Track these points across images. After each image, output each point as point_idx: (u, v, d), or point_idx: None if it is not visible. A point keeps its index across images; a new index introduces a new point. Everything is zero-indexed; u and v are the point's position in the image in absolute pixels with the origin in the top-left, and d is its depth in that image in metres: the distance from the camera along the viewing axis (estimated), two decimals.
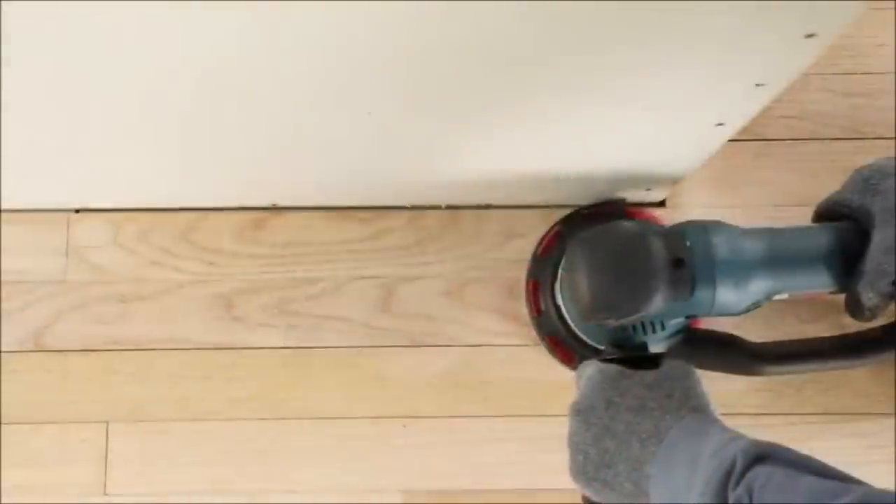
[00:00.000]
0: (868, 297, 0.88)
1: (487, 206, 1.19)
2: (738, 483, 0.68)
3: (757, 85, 0.83)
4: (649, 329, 0.93)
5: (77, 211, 1.19)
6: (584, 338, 1.08)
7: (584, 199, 1.18)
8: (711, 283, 0.89)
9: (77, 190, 1.15)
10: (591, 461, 0.84)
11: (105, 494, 1.13)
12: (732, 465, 0.69)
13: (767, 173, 1.11)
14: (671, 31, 0.72)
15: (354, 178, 1.09)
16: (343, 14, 0.66)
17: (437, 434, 1.14)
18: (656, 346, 0.96)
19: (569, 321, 1.09)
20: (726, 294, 0.89)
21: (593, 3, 0.66)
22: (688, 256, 0.89)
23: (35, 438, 1.14)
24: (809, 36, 0.72)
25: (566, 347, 1.12)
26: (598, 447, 0.84)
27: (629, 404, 0.84)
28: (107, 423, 1.14)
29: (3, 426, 1.14)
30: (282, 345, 1.16)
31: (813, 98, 1.24)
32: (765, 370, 1.00)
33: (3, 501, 1.13)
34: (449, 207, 1.20)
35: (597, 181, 1.11)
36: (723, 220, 0.92)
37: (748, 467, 0.68)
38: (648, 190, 1.16)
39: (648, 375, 0.86)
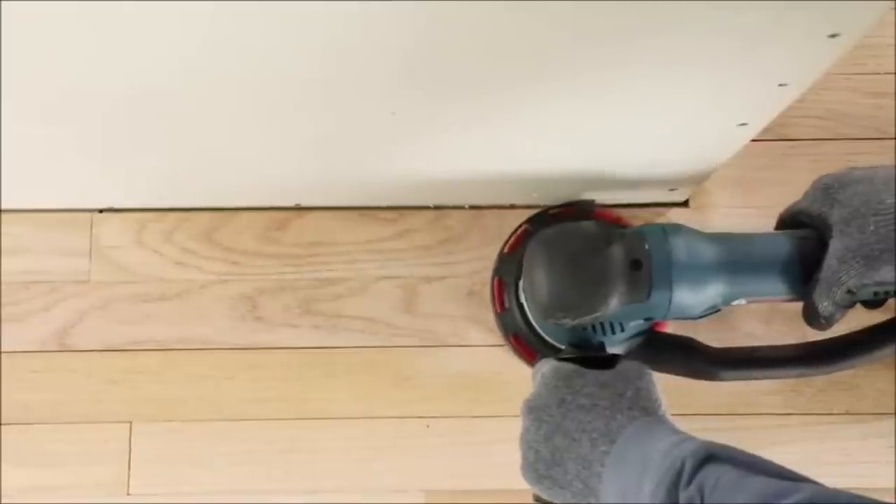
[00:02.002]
0: (823, 306, 0.89)
1: (511, 206, 1.20)
2: (689, 483, 0.69)
3: (780, 85, 0.84)
4: (608, 330, 0.96)
5: (101, 211, 1.21)
6: (546, 337, 1.08)
7: (605, 199, 1.19)
8: (668, 285, 0.90)
9: (100, 190, 1.17)
10: (541, 459, 0.86)
11: (128, 494, 1.15)
12: (683, 466, 0.71)
13: (790, 173, 1.14)
14: (694, 30, 0.73)
15: (378, 178, 1.10)
16: (366, 13, 0.68)
17: (460, 434, 1.16)
18: (616, 348, 0.97)
19: (532, 320, 1.09)
20: (683, 297, 0.91)
21: (615, 3, 0.68)
22: (645, 259, 0.90)
23: (58, 438, 1.16)
24: (833, 36, 0.73)
25: (529, 346, 1.13)
26: (549, 445, 0.85)
27: (581, 403, 0.85)
28: (130, 423, 1.16)
29: (26, 426, 1.16)
30: (305, 345, 1.18)
31: (836, 98, 1.25)
32: (723, 375, 1.02)
33: (25, 502, 1.15)
34: (472, 207, 1.21)
35: (620, 181, 1.13)
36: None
37: (699, 468, 0.70)
38: (672, 190, 1.18)
39: (602, 375, 0.88)
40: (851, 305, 0.91)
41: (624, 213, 1.20)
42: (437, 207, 1.22)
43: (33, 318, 1.19)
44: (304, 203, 1.21)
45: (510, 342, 1.14)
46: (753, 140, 1.00)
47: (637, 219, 1.20)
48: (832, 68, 0.81)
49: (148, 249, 1.20)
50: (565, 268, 0.92)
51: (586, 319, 0.91)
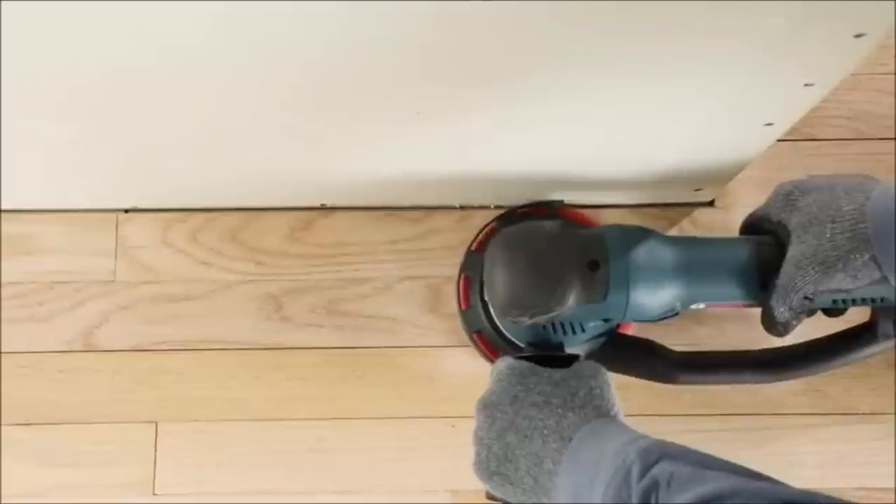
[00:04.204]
0: (780, 312, 0.92)
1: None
2: (641, 479, 0.71)
3: (806, 85, 0.87)
4: (569, 330, 0.98)
5: (126, 211, 1.23)
6: (508, 335, 1.10)
7: (630, 199, 1.22)
8: (625, 287, 0.93)
9: (126, 190, 1.19)
10: (493, 455, 0.89)
11: (154, 495, 1.17)
12: (633, 464, 0.73)
13: (816, 173, 1.17)
14: (720, 31, 0.76)
15: (403, 178, 1.12)
16: (392, 13, 0.70)
17: None
18: (577, 349, 1.00)
19: (495, 318, 1.11)
20: (640, 299, 0.94)
21: (640, 4, 0.70)
22: (603, 259, 0.93)
23: (84, 438, 1.18)
24: (859, 36, 0.76)
25: (492, 344, 1.15)
26: (501, 442, 0.88)
27: (534, 400, 0.88)
28: (156, 423, 1.18)
29: (52, 426, 1.18)
30: (330, 345, 1.20)
31: (861, 98, 1.27)
32: (683, 379, 1.05)
33: (50, 502, 1.17)
34: (497, 207, 1.23)
35: (645, 181, 1.15)
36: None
37: (651, 465, 0.72)
38: (697, 190, 1.19)
39: (556, 373, 0.91)
40: (810, 313, 0.95)
41: (649, 212, 1.23)
42: (462, 207, 1.24)
43: (59, 319, 1.21)
44: (330, 203, 1.23)
45: (473, 340, 1.17)
46: (779, 140, 1.03)
47: (662, 219, 1.22)
48: (857, 68, 0.83)
49: (173, 249, 1.23)
50: (524, 266, 0.95)
51: (543, 318, 0.94)
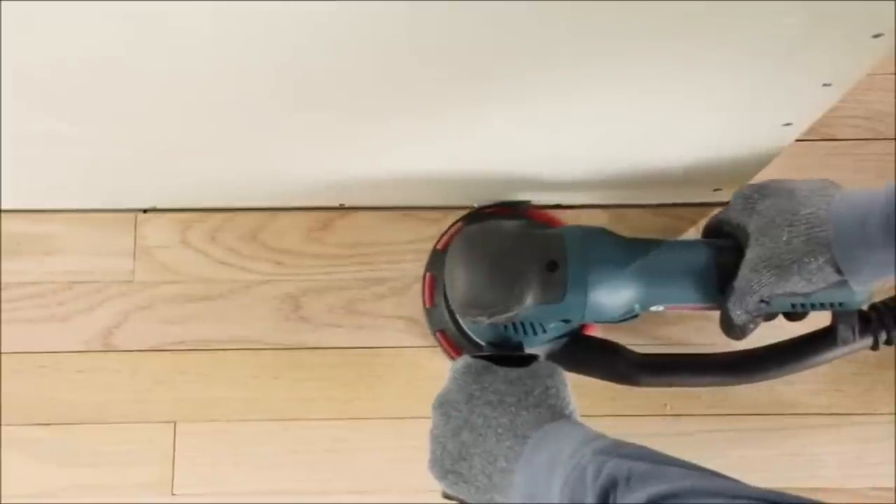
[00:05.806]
0: (737, 315, 0.94)
1: (556, 206, 1.23)
2: (597, 477, 0.72)
3: (824, 85, 0.88)
4: (529, 330, 0.99)
5: (145, 211, 1.25)
6: (471, 334, 1.11)
7: (650, 199, 1.23)
8: (583, 288, 0.94)
9: (145, 190, 1.20)
10: (448, 454, 0.90)
11: (172, 494, 1.18)
12: (589, 463, 0.74)
13: (835, 173, 1.15)
14: (739, 31, 0.77)
15: (420, 177, 1.13)
16: (411, 12, 0.71)
17: None
18: (539, 349, 1.01)
19: (458, 317, 1.11)
20: (598, 300, 0.95)
21: (659, 3, 0.71)
22: (562, 260, 0.94)
23: (102, 438, 1.19)
24: (877, 36, 0.77)
25: (455, 343, 1.16)
26: (456, 440, 0.89)
27: (488, 398, 0.89)
28: (174, 423, 1.20)
29: (70, 426, 1.19)
30: (348, 345, 1.22)
31: (878, 98, 1.28)
32: (644, 381, 1.06)
33: (68, 502, 1.18)
34: None
35: (664, 181, 1.16)
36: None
37: (605, 463, 0.73)
38: (716, 191, 1.21)
39: (512, 372, 0.91)
40: (769, 317, 0.97)
41: (668, 212, 1.24)
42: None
43: (77, 319, 1.22)
44: (348, 203, 1.24)
45: (437, 338, 1.18)
46: (798, 140, 1.04)
47: (680, 218, 1.24)
48: (874, 68, 0.85)
49: (192, 249, 1.24)
50: (483, 266, 0.96)
51: (501, 318, 0.95)
